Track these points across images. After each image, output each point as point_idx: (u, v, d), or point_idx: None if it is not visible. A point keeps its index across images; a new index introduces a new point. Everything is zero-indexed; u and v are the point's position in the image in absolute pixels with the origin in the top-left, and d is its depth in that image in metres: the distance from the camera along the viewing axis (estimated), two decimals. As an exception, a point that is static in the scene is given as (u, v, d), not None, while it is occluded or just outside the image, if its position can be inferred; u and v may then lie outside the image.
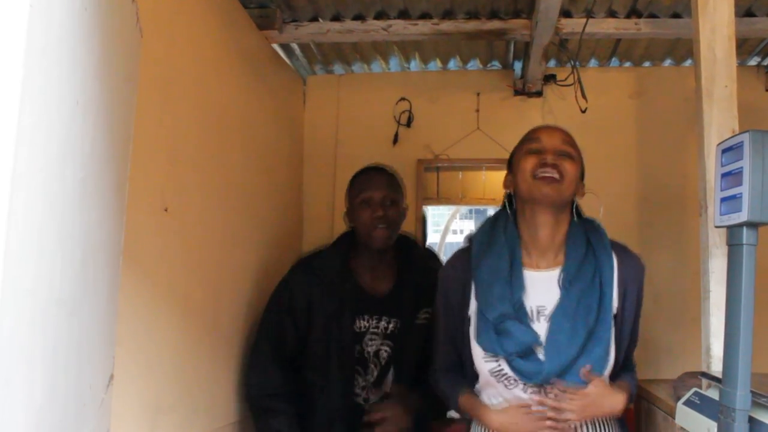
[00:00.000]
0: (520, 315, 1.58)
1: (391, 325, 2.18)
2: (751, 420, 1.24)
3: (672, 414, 1.72)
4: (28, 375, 0.74)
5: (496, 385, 1.60)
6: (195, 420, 1.92)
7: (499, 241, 1.66)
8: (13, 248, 0.69)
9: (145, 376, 1.63)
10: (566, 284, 1.59)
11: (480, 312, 1.60)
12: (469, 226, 11.44)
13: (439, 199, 4.27)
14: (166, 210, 1.71)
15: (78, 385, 0.90)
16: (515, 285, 1.60)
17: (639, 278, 1.67)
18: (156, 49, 1.60)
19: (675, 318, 2.84)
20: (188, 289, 1.88)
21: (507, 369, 1.56)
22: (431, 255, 2.42)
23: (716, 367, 1.57)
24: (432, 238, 4.63)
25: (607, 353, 1.58)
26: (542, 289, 1.62)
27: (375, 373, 2.17)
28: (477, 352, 1.61)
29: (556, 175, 1.57)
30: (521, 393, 1.58)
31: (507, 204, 1.70)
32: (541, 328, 1.58)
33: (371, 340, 2.17)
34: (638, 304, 1.67)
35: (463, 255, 1.74)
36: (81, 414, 0.94)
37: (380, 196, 2.16)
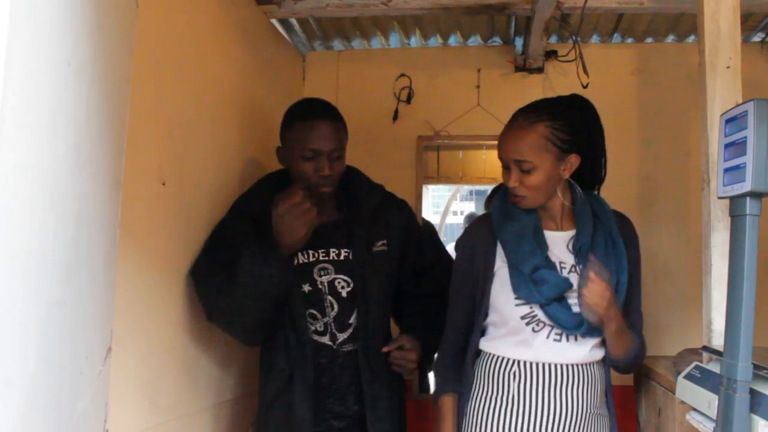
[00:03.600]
0: (550, 266, 1.69)
1: (342, 256, 1.98)
2: (752, 392, 1.23)
3: (672, 389, 1.72)
4: (21, 338, 0.73)
5: (524, 330, 1.68)
6: (196, 395, 1.92)
7: (514, 209, 1.75)
8: (1, 213, 0.68)
9: (144, 351, 1.64)
10: (583, 253, 1.69)
11: (513, 267, 1.70)
12: (470, 208, 11.42)
13: (439, 178, 4.26)
14: (163, 184, 1.70)
15: (73, 354, 0.89)
16: (540, 242, 1.71)
17: (636, 244, 1.79)
18: (152, 22, 1.58)
19: (676, 296, 2.84)
20: (186, 265, 1.88)
21: (541, 315, 1.67)
22: (384, 192, 2.13)
23: (717, 342, 1.57)
24: (432, 219, 4.62)
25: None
26: (561, 247, 1.74)
27: (335, 309, 1.97)
28: (508, 300, 1.69)
29: (522, 198, 1.70)
30: (542, 339, 1.68)
31: None
32: (570, 279, 1.69)
33: (322, 270, 1.97)
34: (637, 270, 1.79)
35: (482, 221, 1.84)
36: (77, 383, 0.93)
37: (328, 150, 1.90)
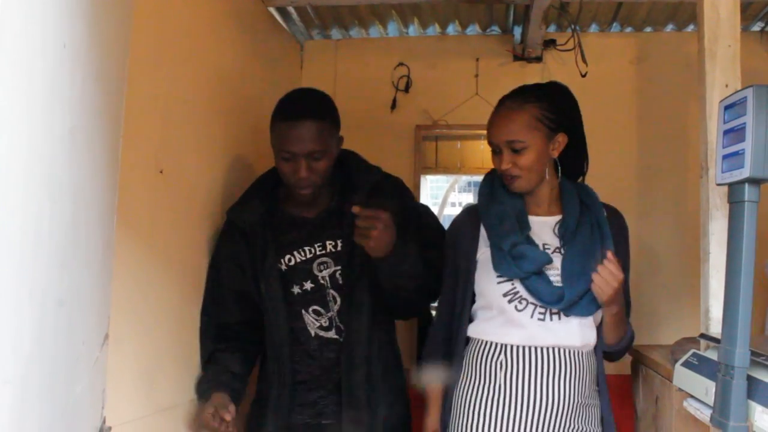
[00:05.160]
0: (531, 243, 1.72)
1: (339, 247, 1.94)
2: (749, 378, 1.24)
3: (670, 377, 1.73)
4: (15, 316, 0.73)
5: (507, 309, 1.70)
6: (193, 382, 1.92)
7: (500, 193, 1.79)
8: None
9: (141, 339, 1.63)
10: (568, 235, 1.73)
11: (494, 246, 1.73)
12: (468, 199, 11.40)
13: (438, 169, 4.25)
14: (161, 172, 1.70)
15: (69, 338, 0.89)
16: (522, 223, 1.74)
17: (626, 236, 1.83)
18: (149, 9, 1.57)
19: (673, 285, 2.84)
20: (184, 253, 1.88)
21: (522, 291, 1.69)
22: (381, 173, 2.05)
23: (715, 329, 1.57)
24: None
25: None
26: (546, 231, 1.77)
27: (338, 302, 1.93)
28: (490, 279, 1.72)
29: (514, 178, 1.73)
30: (527, 318, 1.69)
31: None
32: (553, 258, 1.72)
33: (322, 265, 1.93)
34: (627, 261, 1.81)
35: (470, 208, 1.89)
36: (73, 368, 0.93)
37: (305, 152, 1.82)
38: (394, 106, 3.07)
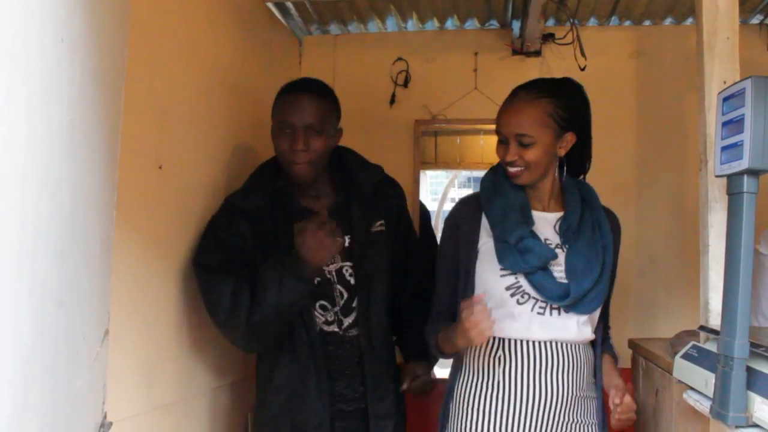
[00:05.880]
0: (535, 237, 1.71)
1: (346, 243, 1.93)
2: (749, 369, 1.24)
3: (670, 370, 1.72)
4: (14, 311, 0.73)
5: (508, 302, 1.68)
6: (194, 379, 1.93)
7: (504, 186, 1.77)
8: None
9: (142, 334, 1.64)
10: (570, 232, 1.72)
11: (499, 239, 1.71)
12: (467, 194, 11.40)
13: (437, 164, 4.26)
14: (160, 167, 1.70)
15: (69, 331, 0.89)
16: (526, 217, 1.73)
17: (619, 236, 1.83)
18: (148, 3, 1.57)
19: (673, 278, 2.84)
20: (184, 249, 1.87)
21: (526, 285, 1.68)
22: (383, 172, 2.07)
23: (714, 321, 1.57)
24: (429, 206, 4.62)
25: (606, 293, 1.74)
26: (547, 227, 1.76)
27: (344, 297, 1.95)
28: (493, 272, 1.71)
29: (519, 171, 1.70)
30: (526, 311, 1.68)
31: None
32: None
33: (329, 260, 1.90)
34: (616, 261, 1.83)
35: (471, 198, 1.86)
36: (74, 362, 0.93)
37: (302, 124, 1.85)
38: (393, 101, 3.07)
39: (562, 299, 1.65)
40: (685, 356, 1.58)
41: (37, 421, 0.81)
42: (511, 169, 1.71)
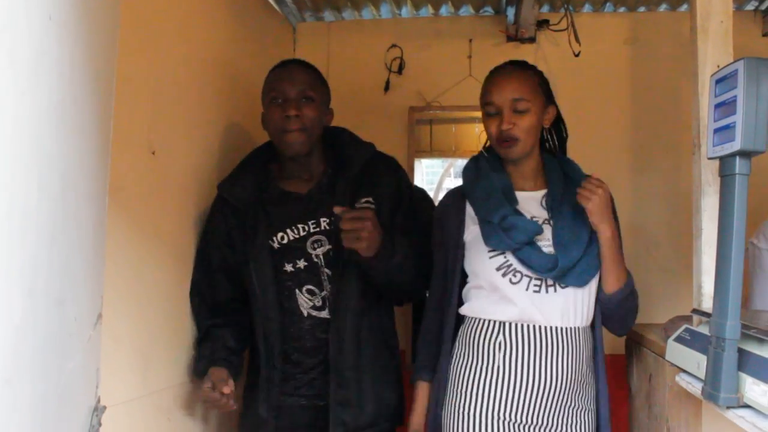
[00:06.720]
0: (519, 215, 1.73)
1: (332, 225, 1.87)
2: (740, 351, 1.24)
3: (663, 354, 1.73)
4: (3, 293, 0.73)
5: (501, 285, 1.70)
6: (188, 363, 1.92)
7: (486, 170, 1.80)
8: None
9: (135, 319, 1.64)
10: (555, 205, 1.75)
11: (483, 221, 1.73)
12: (463, 183, 11.35)
13: (432, 152, 4.24)
14: (153, 153, 1.69)
15: (61, 313, 0.88)
16: (509, 197, 1.74)
17: (613, 206, 1.78)
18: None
19: (667, 264, 2.85)
20: (177, 235, 1.88)
21: (515, 262, 1.69)
22: (374, 150, 2.03)
23: (707, 305, 1.58)
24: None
25: (599, 266, 1.72)
26: (534, 205, 1.78)
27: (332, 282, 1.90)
28: (481, 256, 1.73)
29: (514, 140, 1.71)
30: (522, 292, 1.69)
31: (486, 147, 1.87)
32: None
33: (316, 243, 1.90)
34: (617, 230, 1.78)
35: (454, 191, 1.90)
36: (65, 345, 0.93)
37: (294, 92, 1.87)
38: (387, 87, 3.06)
39: (551, 270, 1.66)
40: (678, 339, 1.59)
41: (27, 401, 0.81)
42: (506, 141, 1.71)
